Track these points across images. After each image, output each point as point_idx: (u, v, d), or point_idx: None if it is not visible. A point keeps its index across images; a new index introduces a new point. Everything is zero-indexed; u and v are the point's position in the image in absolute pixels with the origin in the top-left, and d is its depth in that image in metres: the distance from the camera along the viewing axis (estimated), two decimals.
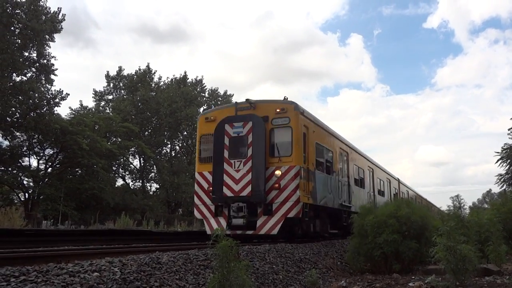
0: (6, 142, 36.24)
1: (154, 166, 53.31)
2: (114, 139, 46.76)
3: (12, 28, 32.32)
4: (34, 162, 39.63)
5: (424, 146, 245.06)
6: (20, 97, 33.11)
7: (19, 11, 32.00)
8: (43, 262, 5.50)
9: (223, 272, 4.83)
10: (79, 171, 41.06)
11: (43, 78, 34.75)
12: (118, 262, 5.82)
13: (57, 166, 39.45)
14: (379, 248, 9.51)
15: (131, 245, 10.64)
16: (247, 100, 12.66)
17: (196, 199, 12.96)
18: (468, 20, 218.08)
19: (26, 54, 33.52)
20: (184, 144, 55.87)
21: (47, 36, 33.53)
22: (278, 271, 8.39)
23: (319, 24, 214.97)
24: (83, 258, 6.38)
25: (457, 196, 9.63)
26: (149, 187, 54.88)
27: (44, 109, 34.56)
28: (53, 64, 34.59)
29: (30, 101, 33.77)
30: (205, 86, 56.81)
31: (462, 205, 9.62)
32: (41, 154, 39.32)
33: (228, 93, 57.71)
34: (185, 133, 53.94)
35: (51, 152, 39.22)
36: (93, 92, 53.33)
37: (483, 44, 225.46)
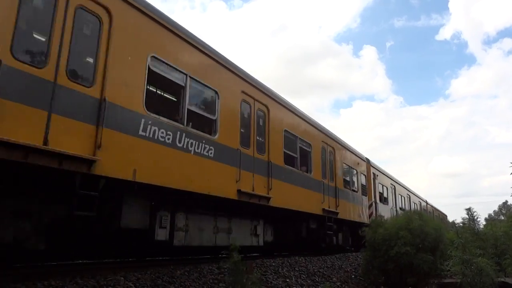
0: None
1: None
2: None
3: None
4: None
5: (438, 157, 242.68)
6: None
7: None
8: (57, 278, 5.49)
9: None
10: None
11: None
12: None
13: None
14: (393, 261, 9.39)
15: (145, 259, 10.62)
16: None
17: None
18: (481, 30, 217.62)
19: None
20: None
21: None
22: (291, 284, 8.33)
23: (331, 37, 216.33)
24: (98, 273, 6.38)
25: (469, 209, 9.49)
26: None
27: None
28: None
29: None
30: None
31: (475, 217, 9.48)
32: None
33: None
34: None
35: None
36: None
37: (497, 54, 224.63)
